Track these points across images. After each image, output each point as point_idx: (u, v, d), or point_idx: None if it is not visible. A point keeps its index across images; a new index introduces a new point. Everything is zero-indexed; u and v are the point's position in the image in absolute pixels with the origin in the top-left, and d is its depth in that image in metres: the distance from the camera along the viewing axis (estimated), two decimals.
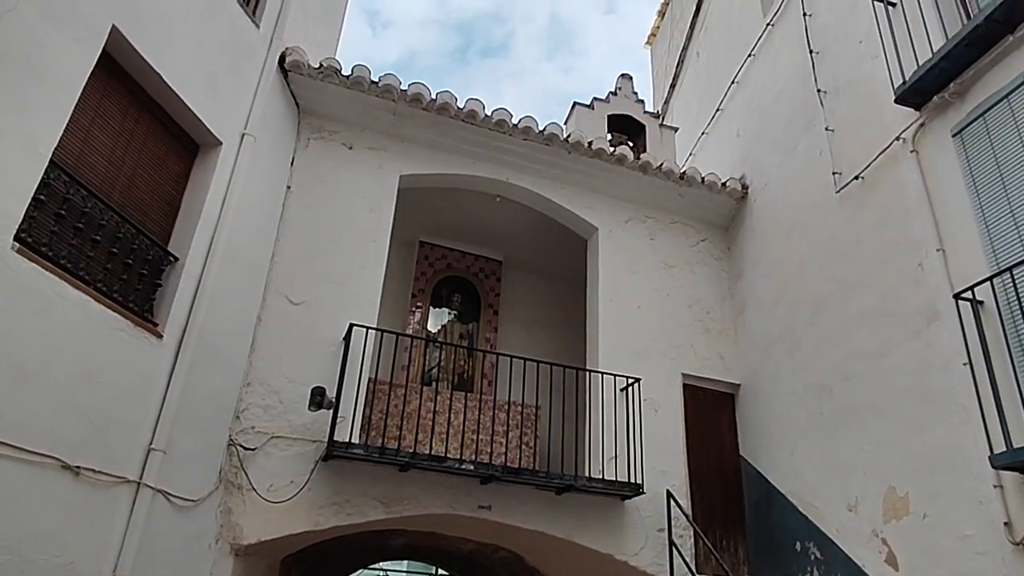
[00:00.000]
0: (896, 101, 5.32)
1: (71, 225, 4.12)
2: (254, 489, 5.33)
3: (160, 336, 4.65)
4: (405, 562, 13.08)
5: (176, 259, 4.92)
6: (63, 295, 3.92)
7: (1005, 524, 4.02)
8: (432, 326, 8.39)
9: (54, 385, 3.83)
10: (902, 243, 5.26)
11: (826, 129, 6.44)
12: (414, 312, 8.33)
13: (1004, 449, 3.94)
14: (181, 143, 5.18)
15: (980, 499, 4.22)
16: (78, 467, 3.93)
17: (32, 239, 3.83)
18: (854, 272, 5.77)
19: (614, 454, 6.47)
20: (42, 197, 3.88)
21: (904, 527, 4.85)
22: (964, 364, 4.39)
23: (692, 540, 6.51)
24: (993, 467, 4.04)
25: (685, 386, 7.28)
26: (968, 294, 4.38)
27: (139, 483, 4.36)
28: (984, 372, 4.20)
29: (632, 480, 6.29)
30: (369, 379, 6.26)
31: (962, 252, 4.69)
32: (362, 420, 6.01)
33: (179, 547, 4.77)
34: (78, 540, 3.94)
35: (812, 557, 5.87)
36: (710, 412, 7.38)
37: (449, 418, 6.58)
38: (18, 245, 3.67)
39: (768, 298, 7.07)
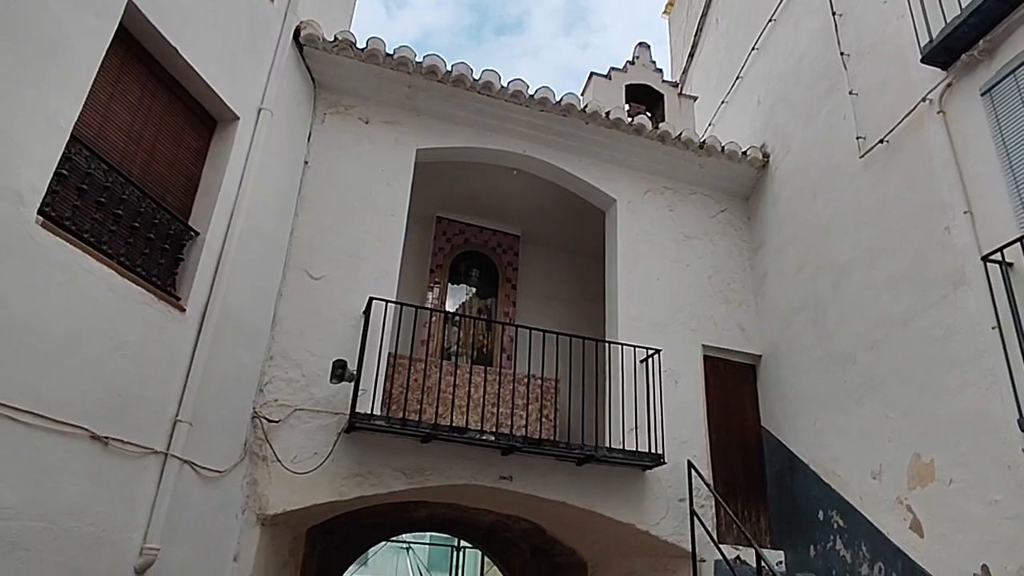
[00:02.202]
0: (923, 61, 5.19)
1: (93, 200, 4.15)
2: (279, 460, 5.40)
3: (183, 310, 4.70)
4: (428, 534, 13.23)
5: (197, 234, 4.95)
6: (88, 269, 3.96)
7: None
8: (451, 304, 8.41)
9: (82, 358, 3.89)
10: (928, 207, 5.16)
11: (849, 93, 6.30)
12: (432, 288, 8.34)
13: None
14: (198, 118, 5.19)
15: (1008, 464, 4.16)
16: (107, 438, 4.00)
17: (55, 213, 3.87)
18: (879, 238, 5.68)
19: (634, 425, 6.46)
20: (64, 171, 3.91)
21: (929, 494, 4.81)
22: (992, 328, 4.31)
23: (713, 510, 6.52)
24: (1022, 430, 3.98)
25: (706, 357, 7.24)
26: (997, 256, 4.29)
27: (166, 454, 4.43)
28: (1013, 335, 4.12)
29: (653, 451, 6.29)
30: (389, 354, 6.30)
31: (990, 214, 4.59)
32: (383, 394, 6.05)
33: (207, 516, 4.86)
34: (108, 509, 4.02)
35: (835, 525, 5.85)
36: (731, 383, 7.34)
37: (469, 392, 6.61)
38: (42, 219, 3.71)
39: (790, 267, 6.98)
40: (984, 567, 4.27)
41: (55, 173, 3.78)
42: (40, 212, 3.69)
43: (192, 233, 4.93)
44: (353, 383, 5.56)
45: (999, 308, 4.28)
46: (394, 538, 11.15)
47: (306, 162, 6.44)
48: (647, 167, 7.68)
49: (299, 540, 6.48)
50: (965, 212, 4.75)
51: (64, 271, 3.81)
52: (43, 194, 3.69)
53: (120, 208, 4.34)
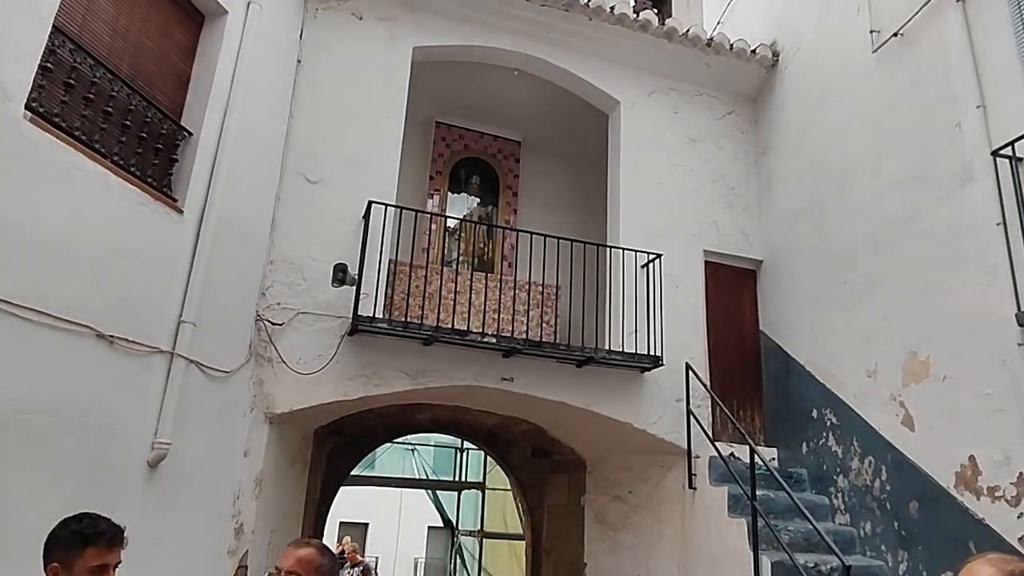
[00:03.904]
0: None
1: (81, 95, 4.03)
2: (284, 362, 5.49)
3: (180, 211, 4.66)
4: (432, 436, 13.66)
5: (190, 134, 4.84)
6: (81, 167, 3.90)
7: None
8: (451, 212, 8.32)
9: (82, 257, 3.88)
10: (940, 102, 5.01)
11: None
12: (432, 195, 8.25)
13: None
14: (185, 12, 4.98)
15: (1003, 358, 4.22)
16: (112, 336, 4.04)
17: (44, 109, 3.76)
18: (888, 137, 5.55)
19: (634, 329, 6.53)
20: (48, 65, 3.78)
21: (923, 390, 4.90)
22: (997, 224, 4.28)
23: (710, 410, 6.68)
24: (1019, 324, 4.01)
25: (707, 263, 7.24)
26: (1007, 150, 4.21)
27: (172, 353, 4.50)
28: (1018, 231, 4.09)
29: (652, 353, 6.39)
30: (390, 261, 6.29)
31: (1004, 107, 4.46)
32: (384, 300, 6.09)
33: (215, 414, 4.98)
34: (118, 406, 4.11)
35: (828, 423, 6.01)
36: (731, 288, 7.37)
37: (470, 298, 6.64)
38: (30, 115, 3.62)
39: (796, 170, 6.87)
40: (971, 457, 4.41)
41: (40, 67, 3.66)
42: (27, 108, 3.59)
43: (185, 133, 4.83)
44: (355, 287, 5.58)
45: (1005, 204, 4.23)
46: (399, 440, 11.51)
47: (299, 61, 6.22)
48: (652, 67, 7.43)
49: (307, 440, 6.67)
50: (978, 106, 4.61)
51: (56, 169, 3.75)
52: (29, 88, 3.58)
53: (110, 105, 4.23)
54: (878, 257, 5.50)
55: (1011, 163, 4.19)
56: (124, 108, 4.34)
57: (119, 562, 2.12)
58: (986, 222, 4.41)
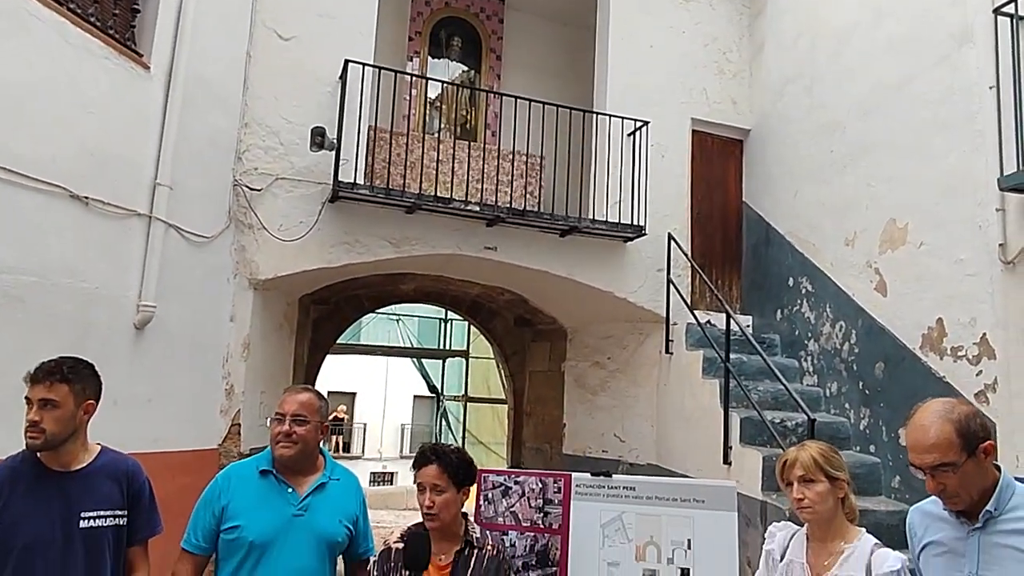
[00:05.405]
0: None
1: None
2: (265, 228, 5.44)
3: (147, 67, 4.43)
4: (417, 307, 13.90)
5: None
6: (35, 15, 3.66)
7: (1000, 246, 4.11)
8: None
9: (47, 113, 3.73)
10: None
11: None
12: (412, 59, 7.88)
13: (1016, 170, 3.89)
14: None
15: (980, 224, 4.28)
16: (86, 197, 3.95)
17: None
18: None
19: (618, 199, 6.50)
20: None
21: (898, 256, 4.99)
22: (991, 87, 4.19)
23: (689, 279, 6.80)
24: (1000, 189, 4.03)
25: (694, 132, 7.12)
26: (1009, 8, 4.05)
27: (150, 217, 4.43)
28: (1009, 94, 4.02)
29: (635, 223, 6.40)
30: (369, 127, 6.11)
31: None
32: (365, 168, 5.97)
33: (199, 279, 4.99)
34: (99, 268, 4.09)
35: (803, 291, 6.16)
36: (717, 158, 7.30)
37: (453, 168, 6.52)
38: None
39: (789, 33, 6.62)
40: (939, 320, 4.57)
41: None
42: None
43: None
44: (334, 152, 5.44)
45: (1001, 66, 4.13)
46: (384, 311, 11.70)
47: None
48: None
49: (293, 307, 6.74)
50: None
51: (10, 18, 3.52)
52: None
53: None
54: (867, 123, 5.42)
55: (1012, 22, 4.04)
56: None
57: (54, 401, 2.16)
58: (979, 86, 4.32)
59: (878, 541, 2.14)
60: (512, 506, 2.94)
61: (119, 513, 2.28)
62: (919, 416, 1.86)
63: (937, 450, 1.79)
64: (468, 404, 14.86)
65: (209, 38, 4.91)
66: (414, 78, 7.35)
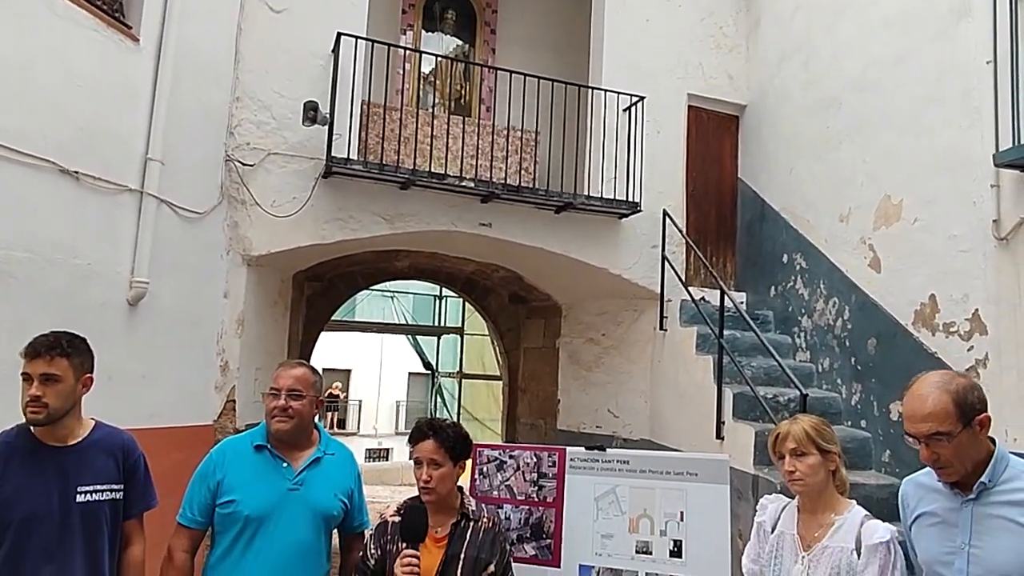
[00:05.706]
0: None
1: None
2: (258, 204, 5.40)
3: (136, 40, 4.36)
4: (411, 284, 13.89)
5: None
6: None
7: (994, 221, 4.11)
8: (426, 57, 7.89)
9: (34, 84, 3.67)
10: None
11: None
12: (405, 32, 7.78)
13: (1011, 146, 3.89)
14: None
15: (974, 200, 4.28)
16: (77, 172, 3.91)
17: None
18: None
19: (613, 175, 6.48)
20: None
21: (892, 232, 5.00)
22: (988, 62, 4.17)
23: (684, 256, 6.80)
24: (995, 165, 4.02)
25: (690, 107, 7.08)
26: None
27: (141, 192, 4.39)
28: (1006, 70, 4.00)
29: (630, 199, 6.38)
30: (363, 102, 6.05)
31: None
32: (358, 143, 5.92)
33: (192, 256, 4.96)
34: (91, 244, 4.06)
35: (797, 267, 6.17)
36: (712, 134, 7.27)
37: (447, 143, 6.48)
38: None
39: (786, 7, 6.56)
40: (932, 296, 4.58)
41: None
42: None
43: None
44: (327, 127, 5.39)
45: (999, 40, 4.10)
46: (379, 288, 11.68)
47: None
48: None
49: (287, 283, 6.72)
50: None
51: None
52: None
53: None
54: (863, 99, 5.40)
55: None
56: None
57: (56, 375, 2.16)
58: (977, 61, 4.29)
59: (868, 513, 2.17)
60: (507, 480, 2.97)
61: (115, 487, 2.29)
62: (917, 386, 1.87)
63: (933, 419, 1.80)
64: (463, 381, 14.92)
65: (199, 10, 4.84)
66: (408, 52, 7.27)
